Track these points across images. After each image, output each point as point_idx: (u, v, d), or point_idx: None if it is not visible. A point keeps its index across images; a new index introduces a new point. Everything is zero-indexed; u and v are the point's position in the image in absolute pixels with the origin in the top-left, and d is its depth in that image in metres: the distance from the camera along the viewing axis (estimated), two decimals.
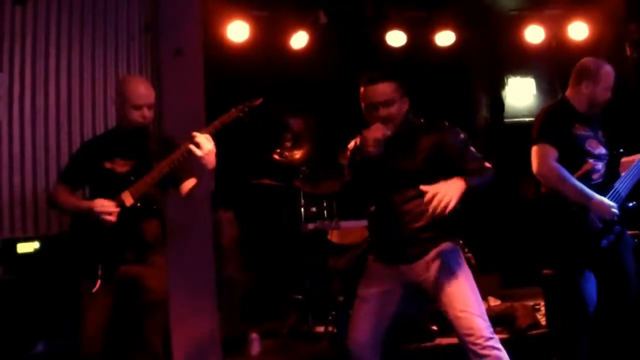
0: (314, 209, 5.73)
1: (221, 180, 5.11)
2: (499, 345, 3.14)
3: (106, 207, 3.37)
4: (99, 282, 3.37)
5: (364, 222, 5.52)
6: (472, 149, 3.36)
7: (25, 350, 3.58)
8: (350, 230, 5.86)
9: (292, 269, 5.99)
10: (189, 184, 3.51)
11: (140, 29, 4.74)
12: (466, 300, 3.19)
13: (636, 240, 4.15)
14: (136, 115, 3.52)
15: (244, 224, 5.93)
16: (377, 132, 3.27)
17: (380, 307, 3.40)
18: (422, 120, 3.47)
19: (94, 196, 3.50)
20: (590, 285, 3.82)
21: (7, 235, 4.05)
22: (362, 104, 3.46)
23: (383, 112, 3.35)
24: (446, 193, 3.02)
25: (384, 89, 3.37)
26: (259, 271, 6.12)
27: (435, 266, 3.27)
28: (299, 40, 6.32)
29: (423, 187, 3.07)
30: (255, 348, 4.91)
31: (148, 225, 3.56)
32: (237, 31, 6.05)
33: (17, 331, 3.55)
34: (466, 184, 3.10)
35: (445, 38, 6.65)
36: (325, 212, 5.62)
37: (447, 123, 3.42)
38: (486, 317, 3.19)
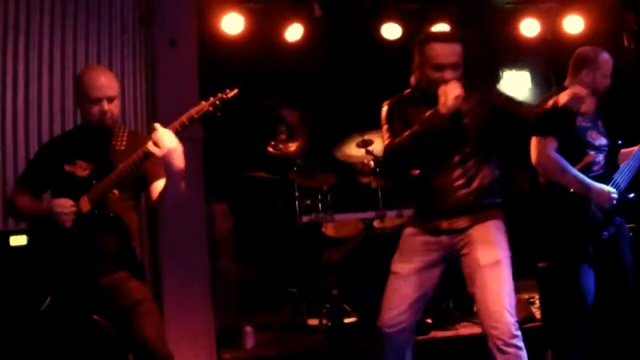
0: (308, 202, 5.73)
1: (215, 172, 5.13)
2: (522, 344, 3.01)
3: (64, 207, 3.03)
4: (48, 299, 3.04)
5: (358, 215, 5.57)
6: None
7: (21, 344, 3.55)
8: (344, 223, 5.87)
9: (286, 262, 5.99)
10: (158, 186, 3.12)
11: (135, 21, 4.71)
12: (501, 290, 3.03)
13: (631, 233, 4.16)
14: (95, 110, 3.11)
15: (238, 217, 5.92)
16: (456, 89, 3.01)
17: (419, 284, 3.20)
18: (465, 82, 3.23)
19: None
20: (589, 278, 3.81)
21: None
22: (419, 62, 3.20)
23: (450, 74, 3.09)
24: None
25: (456, 49, 3.14)
26: (253, 264, 6.11)
27: (479, 243, 3.11)
28: (294, 32, 6.29)
29: None
30: (250, 341, 4.90)
31: (107, 236, 3.15)
32: (232, 23, 6.01)
33: (12, 325, 3.52)
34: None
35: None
36: (319, 204, 5.61)
37: (485, 82, 3.32)
38: (515, 312, 3.05)
